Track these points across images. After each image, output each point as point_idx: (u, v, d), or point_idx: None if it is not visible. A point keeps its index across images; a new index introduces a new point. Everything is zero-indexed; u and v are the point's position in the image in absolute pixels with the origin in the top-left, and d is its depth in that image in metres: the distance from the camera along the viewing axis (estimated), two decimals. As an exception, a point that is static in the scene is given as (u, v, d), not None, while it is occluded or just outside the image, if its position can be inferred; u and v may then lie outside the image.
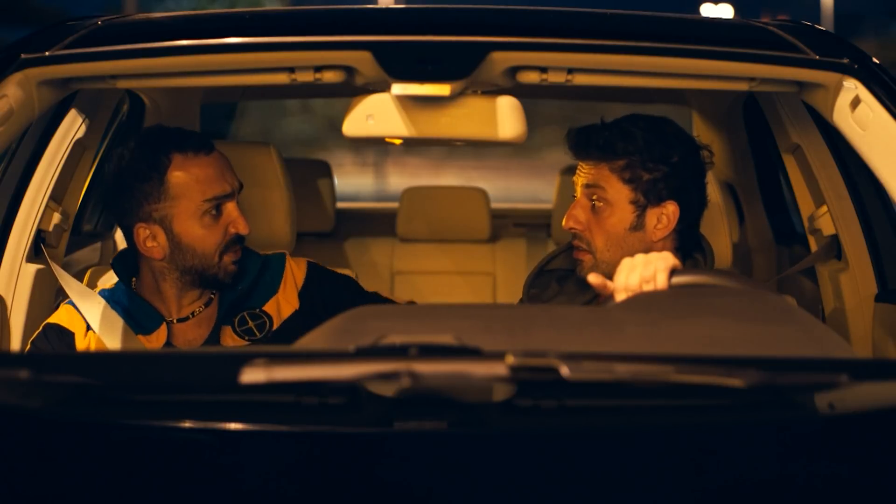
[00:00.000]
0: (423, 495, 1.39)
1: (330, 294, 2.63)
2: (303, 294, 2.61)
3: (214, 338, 2.51)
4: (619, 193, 2.44)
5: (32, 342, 2.49)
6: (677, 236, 2.49)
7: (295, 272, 2.64)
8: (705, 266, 2.50)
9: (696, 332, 1.68)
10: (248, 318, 2.55)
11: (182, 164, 2.45)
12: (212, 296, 2.54)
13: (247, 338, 2.53)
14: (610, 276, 2.21)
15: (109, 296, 2.52)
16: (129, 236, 2.50)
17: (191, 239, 2.46)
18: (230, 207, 2.49)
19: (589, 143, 2.46)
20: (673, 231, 2.47)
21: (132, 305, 2.51)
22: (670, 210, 2.45)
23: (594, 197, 2.46)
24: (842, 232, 2.73)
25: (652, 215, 2.45)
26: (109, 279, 2.61)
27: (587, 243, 2.46)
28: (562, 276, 2.59)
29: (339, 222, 3.96)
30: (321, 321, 2.41)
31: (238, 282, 2.54)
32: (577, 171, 2.51)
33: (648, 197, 2.44)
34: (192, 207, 2.45)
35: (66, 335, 2.47)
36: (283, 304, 2.59)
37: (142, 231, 2.47)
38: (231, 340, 2.52)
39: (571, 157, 2.53)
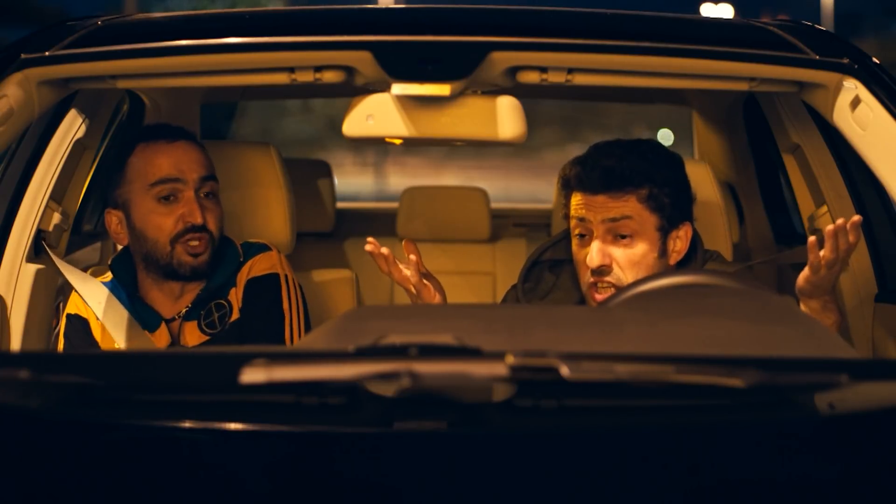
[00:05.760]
0: (424, 495, 1.39)
1: (259, 309, 2.58)
2: (246, 287, 2.57)
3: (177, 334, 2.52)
4: (648, 222, 2.40)
5: (65, 335, 2.53)
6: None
7: (256, 265, 2.59)
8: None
9: (696, 332, 1.67)
10: (213, 310, 2.54)
11: (142, 150, 2.51)
12: (200, 292, 2.55)
13: (209, 331, 2.52)
14: None
15: (112, 288, 2.53)
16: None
17: (143, 224, 2.49)
18: (187, 197, 2.48)
19: (610, 175, 2.39)
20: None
21: (132, 303, 2.52)
22: (684, 232, 2.45)
23: (621, 230, 2.39)
24: (842, 232, 2.72)
25: (671, 240, 2.44)
26: (108, 279, 2.61)
27: (616, 279, 2.38)
28: (554, 264, 2.59)
29: (339, 222, 3.95)
30: (257, 321, 2.42)
31: (215, 275, 2.54)
32: (586, 206, 2.41)
33: (672, 221, 2.43)
34: (141, 190, 2.49)
35: (82, 323, 2.51)
36: (239, 292, 2.58)
37: (109, 216, 2.53)
38: (192, 339, 2.51)
39: (581, 191, 2.43)
